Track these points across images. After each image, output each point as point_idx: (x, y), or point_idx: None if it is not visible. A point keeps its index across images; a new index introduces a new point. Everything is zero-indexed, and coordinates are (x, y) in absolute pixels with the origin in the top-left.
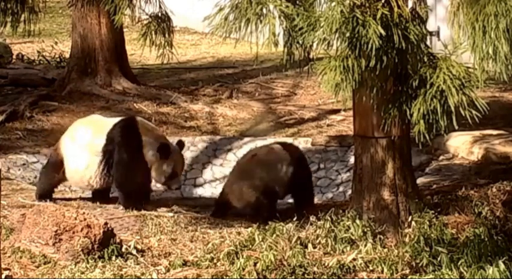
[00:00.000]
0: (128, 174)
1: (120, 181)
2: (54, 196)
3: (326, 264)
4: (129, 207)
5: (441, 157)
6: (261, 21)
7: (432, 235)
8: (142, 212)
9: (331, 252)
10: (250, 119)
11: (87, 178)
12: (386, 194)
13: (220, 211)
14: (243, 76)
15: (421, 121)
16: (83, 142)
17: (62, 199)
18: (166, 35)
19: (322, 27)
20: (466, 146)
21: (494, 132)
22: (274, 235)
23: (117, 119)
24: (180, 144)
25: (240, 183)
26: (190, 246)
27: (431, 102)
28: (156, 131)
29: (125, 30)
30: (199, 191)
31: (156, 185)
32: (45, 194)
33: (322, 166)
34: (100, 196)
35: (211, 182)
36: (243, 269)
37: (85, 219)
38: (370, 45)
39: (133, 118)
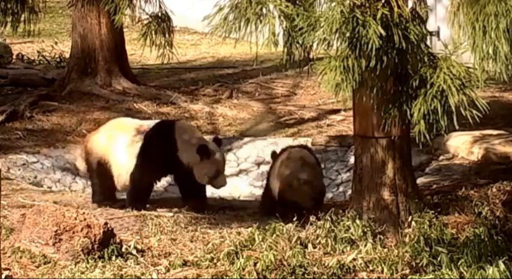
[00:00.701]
0: (144, 174)
1: (134, 179)
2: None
3: (326, 264)
4: (132, 206)
5: (441, 157)
6: (260, 21)
7: (432, 235)
8: (142, 212)
9: (331, 252)
10: (250, 119)
11: (124, 180)
12: (386, 194)
13: (267, 206)
14: (243, 76)
15: (422, 121)
16: (124, 146)
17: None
18: (166, 35)
19: (322, 27)
20: (466, 146)
21: (494, 132)
22: (274, 235)
23: (154, 121)
24: (217, 141)
25: (291, 179)
26: (190, 246)
27: (431, 102)
28: (195, 133)
29: (125, 30)
30: None
31: (156, 186)
32: (99, 197)
33: (322, 166)
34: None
35: None
36: (243, 269)
37: (85, 219)
38: (370, 45)
39: (171, 121)
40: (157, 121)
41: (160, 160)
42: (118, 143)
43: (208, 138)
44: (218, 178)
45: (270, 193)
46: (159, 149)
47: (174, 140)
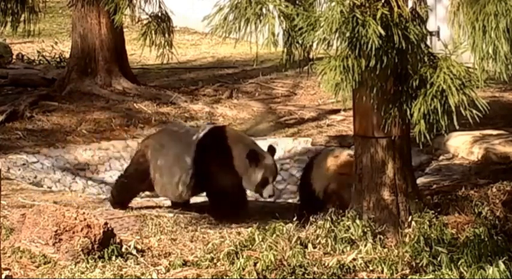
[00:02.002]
0: (224, 184)
1: (215, 191)
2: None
3: (326, 264)
4: (224, 218)
5: (441, 157)
6: (260, 21)
7: (432, 235)
8: (142, 212)
9: (331, 252)
10: (250, 119)
11: (179, 191)
12: (386, 194)
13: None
14: (243, 76)
15: (422, 121)
16: (173, 154)
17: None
18: (166, 35)
19: (322, 27)
20: (466, 146)
21: (494, 132)
22: (274, 235)
23: (206, 128)
24: (271, 150)
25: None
26: (190, 246)
27: (431, 102)
28: (245, 138)
29: (125, 30)
30: None
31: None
32: (123, 203)
33: None
34: (182, 204)
35: None
36: (243, 269)
37: (85, 219)
38: (370, 45)
39: (222, 126)
40: (208, 127)
41: (225, 166)
42: (170, 151)
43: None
44: (266, 187)
45: (312, 194)
46: (219, 156)
47: (229, 145)
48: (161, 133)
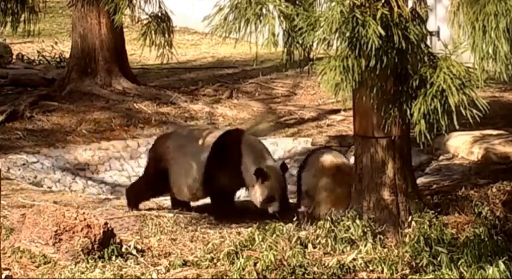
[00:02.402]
0: (221, 187)
1: (215, 191)
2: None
3: (326, 264)
4: (224, 218)
5: (441, 157)
6: (260, 21)
7: (432, 235)
8: (142, 212)
9: (331, 252)
10: (250, 119)
11: (194, 190)
12: (386, 194)
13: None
14: (243, 76)
15: (422, 121)
16: (190, 154)
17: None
18: (166, 35)
19: (322, 27)
20: (466, 146)
21: (494, 132)
22: (274, 235)
23: (223, 130)
24: (283, 167)
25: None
26: (190, 246)
27: (431, 102)
28: (259, 148)
29: (125, 30)
30: None
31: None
32: (138, 204)
33: None
34: (183, 204)
35: None
36: (243, 269)
37: (85, 219)
38: (370, 45)
39: (239, 132)
40: (225, 129)
41: (227, 170)
42: (185, 151)
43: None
44: (272, 203)
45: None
46: (226, 161)
47: (240, 153)
48: (178, 132)
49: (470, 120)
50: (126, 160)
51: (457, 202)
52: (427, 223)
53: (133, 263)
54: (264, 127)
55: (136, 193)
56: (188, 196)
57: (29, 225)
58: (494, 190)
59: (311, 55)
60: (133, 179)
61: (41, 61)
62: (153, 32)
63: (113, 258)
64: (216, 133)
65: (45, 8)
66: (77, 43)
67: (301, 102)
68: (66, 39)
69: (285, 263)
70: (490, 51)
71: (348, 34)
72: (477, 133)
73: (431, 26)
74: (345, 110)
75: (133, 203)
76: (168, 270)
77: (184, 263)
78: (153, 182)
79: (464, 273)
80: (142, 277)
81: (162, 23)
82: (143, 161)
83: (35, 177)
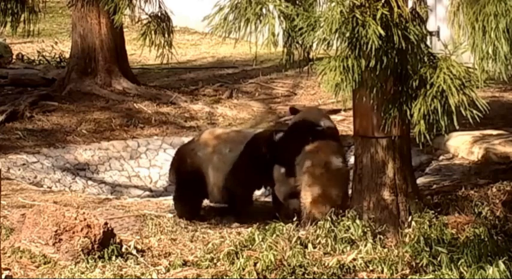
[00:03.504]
0: (244, 185)
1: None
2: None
3: (326, 264)
4: (239, 215)
5: (441, 157)
6: (260, 21)
7: (432, 235)
8: (142, 212)
9: (331, 252)
10: (250, 119)
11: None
12: (386, 194)
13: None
14: (243, 76)
15: (422, 121)
16: (222, 156)
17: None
18: (166, 35)
19: (322, 27)
20: (466, 146)
21: (494, 132)
22: (274, 235)
23: (253, 131)
24: None
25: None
26: (190, 246)
27: (431, 102)
28: None
29: (125, 30)
30: None
31: (156, 185)
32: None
33: None
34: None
35: None
36: (243, 269)
37: (85, 219)
38: (370, 45)
39: (271, 133)
40: (257, 131)
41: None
42: (215, 153)
43: None
44: (293, 200)
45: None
46: (255, 161)
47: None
48: (207, 136)
49: (470, 120)
50: (126, 160)
51: (457, 202)
52: (427, 223)
53: (134, 263)
54: (264, 127)
55: (183, 207)
56: (219, 199)
57: (29, 225)
58: (494, 190)
59: (311, 56)
60: (134, 179)
61: (41, 61)
62: (153, 32)
63: (113, 258)
64: (245, 134)
65: (45, 8)
66: (77, 43)
67: (301, 102)
68: (66, 39)
69: (285, 263)
70: (490, 51)
71: (347, 34)
72: (477, 133)
73: (431, 26)
74: (345, 110)
75: (187, 217)
76: (168, 270)
77: (184, 263)
78: (194, 190)
79: (464, 273)
80: (142, 277)
81: (162, 23)
82: (143, 161)
83: (35, 177)
